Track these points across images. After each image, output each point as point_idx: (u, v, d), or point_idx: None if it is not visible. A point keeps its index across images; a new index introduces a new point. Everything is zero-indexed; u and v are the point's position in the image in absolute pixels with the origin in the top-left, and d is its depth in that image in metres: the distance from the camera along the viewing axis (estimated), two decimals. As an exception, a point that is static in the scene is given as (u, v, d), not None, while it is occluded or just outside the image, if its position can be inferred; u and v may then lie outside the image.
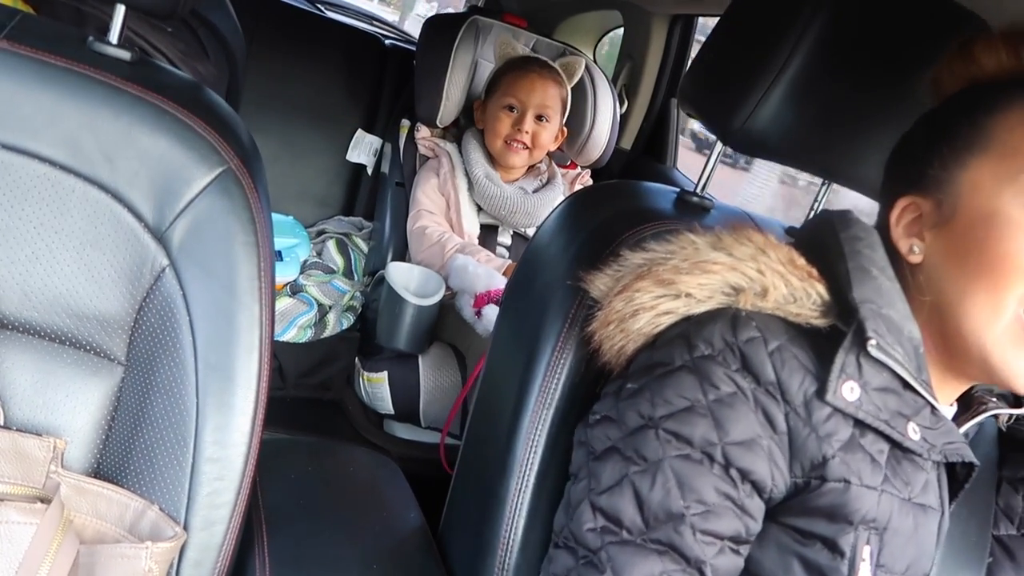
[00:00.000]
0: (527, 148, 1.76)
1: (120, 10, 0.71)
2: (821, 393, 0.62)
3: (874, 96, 0.81)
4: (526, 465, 0.78)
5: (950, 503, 0.68)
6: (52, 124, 0.67)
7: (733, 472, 0.61)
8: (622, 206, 0.88)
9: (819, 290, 0.66)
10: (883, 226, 0.70)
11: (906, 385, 0.64)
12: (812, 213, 0.99)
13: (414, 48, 2.03)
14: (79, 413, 0.72)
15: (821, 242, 0.70)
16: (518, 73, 1.75)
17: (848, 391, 0.62)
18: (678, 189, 0.92)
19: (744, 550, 0.63)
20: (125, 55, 0.71)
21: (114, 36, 0.71)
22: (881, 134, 0.82)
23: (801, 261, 0.68)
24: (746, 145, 0.83)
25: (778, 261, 0.67)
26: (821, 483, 0.62)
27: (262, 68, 2.04)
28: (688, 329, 0.66)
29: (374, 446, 1.66)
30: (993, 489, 0.76)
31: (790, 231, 0.76)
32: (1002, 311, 0.62)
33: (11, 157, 0.67)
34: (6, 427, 0.70)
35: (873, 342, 0.62)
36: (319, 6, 2.52)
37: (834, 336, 0.64)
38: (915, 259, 0.67)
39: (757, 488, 0.62)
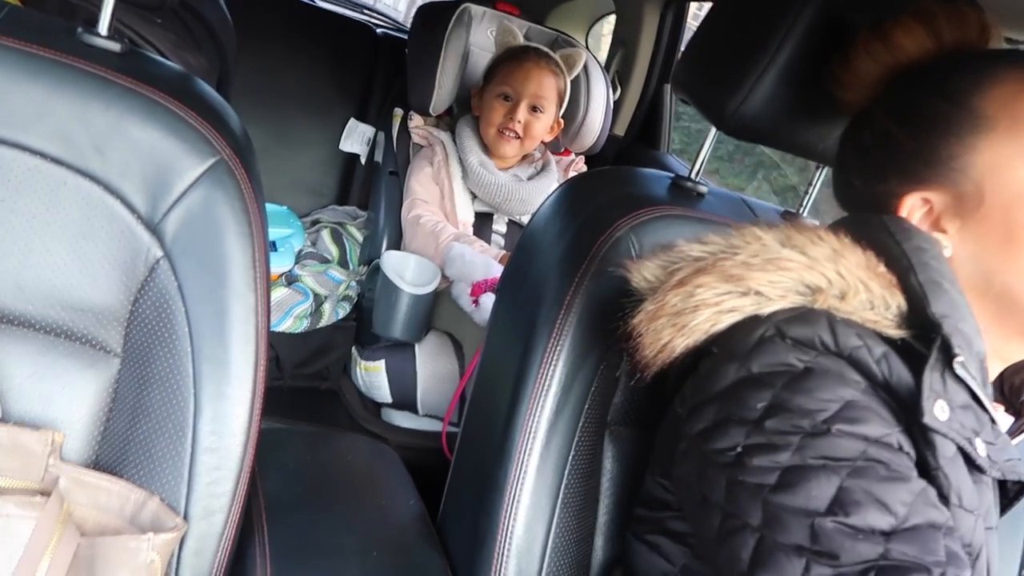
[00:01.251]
0: (518, 138, 1.75)
1: (109, 1, 0.71)
2: (917, 414, 0.57)
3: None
4: (524, 452, 0.78)
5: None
6: (42, 117, 0.67)
7: (912, 459, 0.56)
8: (617, 192, 0.88)
9: (899, 300, 0.62)
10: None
11: (974, 398, 0.60)
12: (807, 198, 0.99)
13: (406, 36, 2.02)
14: (76, 405, 0.72)
15: (883, 250, 0.65)
16: (514, 62, 1.74)
17: (940, 410, 0.57)
18: (672, 175, 0.92)
19: None
20: (115, 46, 0.71)
21: (103, 27, 0.71)
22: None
23: (882, 268, 0.63)
24: (740, 130, 0.83)
25: (857, 266, 0.63)
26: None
27: (253, 59, 2.02)
28: (780, 329, 0.60)
29: (372, 434, 1.66)
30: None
31: (832, 227, 0.71)
32: None
33: (2, 150, 0.67)
34: (4, 421, 0.70)
35: (960, 359, 0.58)
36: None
37: (907, 350, 0.60)
38: (947, 254, 0.64)
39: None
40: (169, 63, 0.76)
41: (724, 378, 0.61)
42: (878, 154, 0.69)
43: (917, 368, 0.58)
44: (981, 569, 0.59)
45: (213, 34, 1.33)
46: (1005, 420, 0.71)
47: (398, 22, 2.63)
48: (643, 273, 0.68)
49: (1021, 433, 0.71)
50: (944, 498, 0.57)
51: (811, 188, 0.99)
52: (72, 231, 0.69)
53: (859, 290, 0.62)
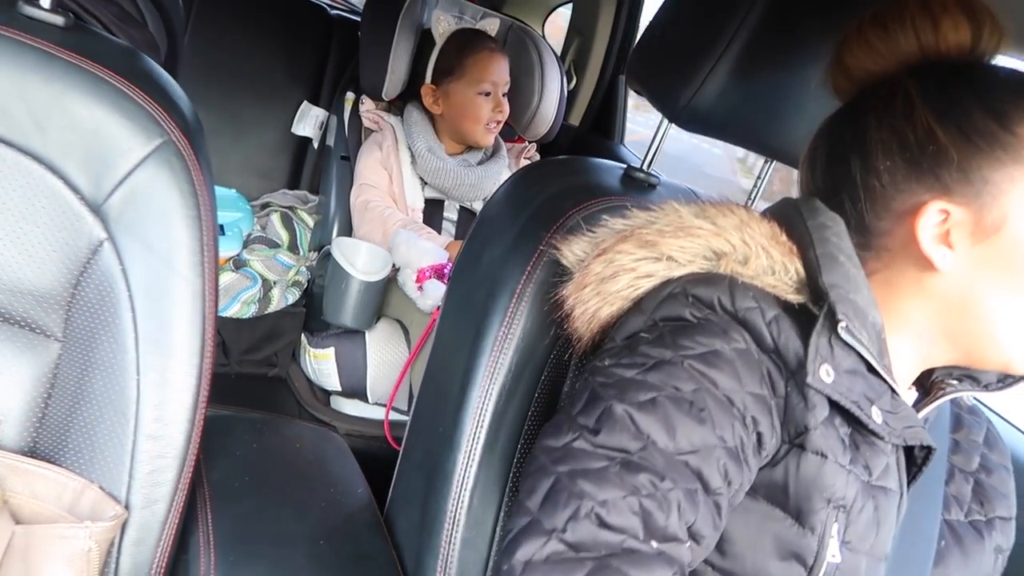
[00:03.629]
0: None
1: (52, -28, 0.68)
2: (802, 375, 0.62)
3: (818, 75, 0.82)
4: (473, 438, 0.79)
5: (908, 486, 0.69)
6: None
7: (748, 420, 0.62)
8: (569, 181, 0.89)
9: (797, 266, 0.67)
10: (881, 224, 0.68)
11: (870, 368, 0.65)
12: (755, 191, 1.00)
13: (359, 19, 1.99)
14: (13, 391, 0.70)
15: (791, 225, 0.70)
16: (483, 55, 1.73)
17: (825, 373, 0.62)
18: (625, 165, 0.93)
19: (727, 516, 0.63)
20: (58, 20, 0.69)
21: (46, 0, 0.69)
22: (825, 114, 0.83)
23: (783, 237, 0.69)
24: (692, 123, 0.84)
25: (761, 235, 0.68)
26: (801, 451, 0.63)
27: (203, 37, 1.98)
28: (681, 288, 0.66)
29: (321, 422, 1.65)
30: (944, 474, 0.78)
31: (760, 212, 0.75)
32: None
33: (-64, 125, 0.64)
34: (-65, 406, 0.67)
35: (843, 324, 0.62)
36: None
37: (804, 315, 0.65)
38: (945, 268, 0.65)
39: (759, 442, 0.63)
40: (115, 39, 0.74)
41: (629, 327, 0.68)
42: (917, 152, 0.66)
43: (809, 333, 0.63)
44: (859, 520, 0.64)
45: (161, 8, 1.29)
46: (909, 395, 0.75)
47: (352, 3, 2.59)
48: (572, 249, 0.73)
49: (928, 406, 0.73)
50: (820, 453, 0.62)
51: (759, 183, 1.00)
52: (11, 210, 0.67)
53: (760, 255, 0.67)
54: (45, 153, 0.66)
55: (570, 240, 0.74)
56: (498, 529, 0.80)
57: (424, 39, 1.81)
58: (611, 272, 0.68)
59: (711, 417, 0.60)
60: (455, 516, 0.79)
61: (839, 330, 0.62)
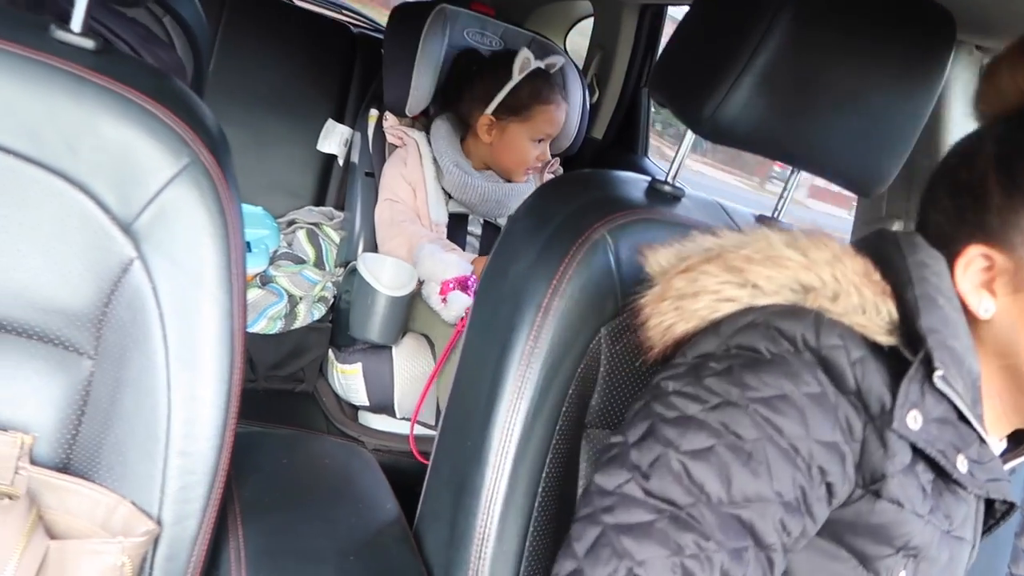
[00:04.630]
0: None
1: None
2: (888, 420, 0.60)
3: (842, 85, 0.81)
4: (502, 454, 0.78)
5: (981, 536, 0.68)
6: (12, 113, 0.66)
7: (815, 471, 0.59)
8: (593, 195, 0.88)
9: (890, 307, 0.64)
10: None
11: (960, 416, 0.62)
12: (782, 201, 1.00)
13: (383, 36, 2.01)
14: (47, 408, 0.71)
15: (887, 262, 0.67)
16: (551, 107, 1.74)
17: (912, 420, 0.60)
18: (649, 178, 0.92)
19: (788, 557, 0.61)
20: (88, 44, 0.70)
21: (77, 24, 0.70)
22: (850, 123, 0.83)
23: (877, 276, 0.65)
24: (715, 134, 0.83)
25: (853, 271, 0.65)
26: (875, 499, 0.61)
27: (229, 56, 2.01)
28: (767, 319, 0.63)
29: (349, 438, 1.65)
30: (1016, 526, 0.76)
31: (852, 244, 0.73)
32: None
33: (-30, 148, 0.66)
34: (-29, 424, 0.68)
35: (940, 373, 0.60)
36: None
37: (895, 357, 0.62)
38: (985, 317, 0.63)
39: (829, 492, 0.60)
40: (144, 61, 0.75)
41: (702, 347, 0.65)
42: (965, 194, 0.65)
43: (900, 377, 0.61)
44: (932, 569, 0.63)
45: (187, 30, 1.31)
46: (998, 445, 0.71)
47: (375, 22, 2.62)
48: (658, 259, 0.72)
49: (1016, 458, 0.71)
50: (896, 502, 0.60)
51: (785, 192, 1.00)
52: (43, 231, 0.68)
53: (851, 293, 0.64)
54: (76, 174, 0.68)
55: (656, 248, 0.72)
56: (527, 545, 0.79)
57: (466, 59, 1.82)
58: (693, 291, 0.66)
59: (769, 470, 0.58)
60: (484, 532, 0.79)
61: (935, 378, 0.60)
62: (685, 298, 0.67)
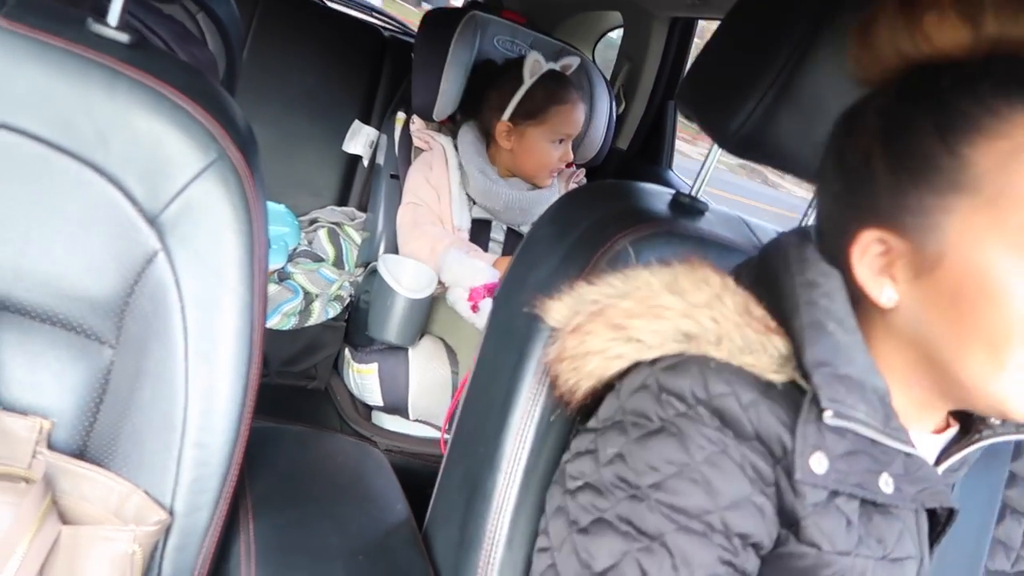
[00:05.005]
0: None
1: (121, -8, 0.71)
2: (787, 463, 0.58)
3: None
4: (514, 460, 0.78)
5: (932, 546, 0.66)
6: (46, 102, 0.67)
7: (735, 540, 0.58)
8: (616, 206, 0.88)
9: (776, 343, 0.61)
10: (838, 254, 0.62)
11: (875, 440, 0.60)
12: (805, 219, 0.99)
13: (412, 40, 2.03)
14: (67, 394, 0.72)
15: (776, 283, 0.64)
16: (567, 106, 1.73)
17: (816, 463, 0.57)
18: (673, 191, 0.92)
19: None
20: (124, 38, 0.71)
21: (113, 18, 0.71)
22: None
23: (759, 311, 0.63)
24: (742, 148, 0.83)
25: (734, 311, 0.62)
26: (795, 542, 0.59)
27: (261, 56, 2.03)
28: (653, 380, 0.62)
29: (362, 437, 1.66)
30: (993, 517, 0.73)
31: (743, 265, 0.71)
32: (1005, 369, 0.55)
33: (4, 135, 0.67)
34: (-7, 406, 0.69)
35: (829, 413, 0.57)
36: (319, -7, 2.52)
37: (791, 393, 0.60)
38: (889, 305, 0.59)
39: (755, 548, 0.59)
40: (177, 57, 0.76)
41: (606, 414, 0.65)
42: (852, 176, 0.61)
43: (796, 413, 0.59)
44: None
45: (221, 28, 1.33)
46: (933, 441, 0.67)
47: (405, 26, 2.63)
48: (554, 313, 0.70)
49: (962, 450, 0.67)
50: (814, 545, 0.58)
51: (810, 208, 0.99)
52: (72, 220, 0.69)
53: (733, 336, 0.61)
54: (106, 165, 0.68)
55: (551, 303, 0.71)
56: (536, 552, 0.79)
57: (487, 67, 1.82)
58: (583, 351, 0.66)
59: (688, 562, 0.56)
60: (494, 537, 0.79)
61: (825, 419, 0.57)
62: (577, 358, 0.66)
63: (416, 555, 0.88)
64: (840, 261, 0.62)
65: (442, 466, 0.94)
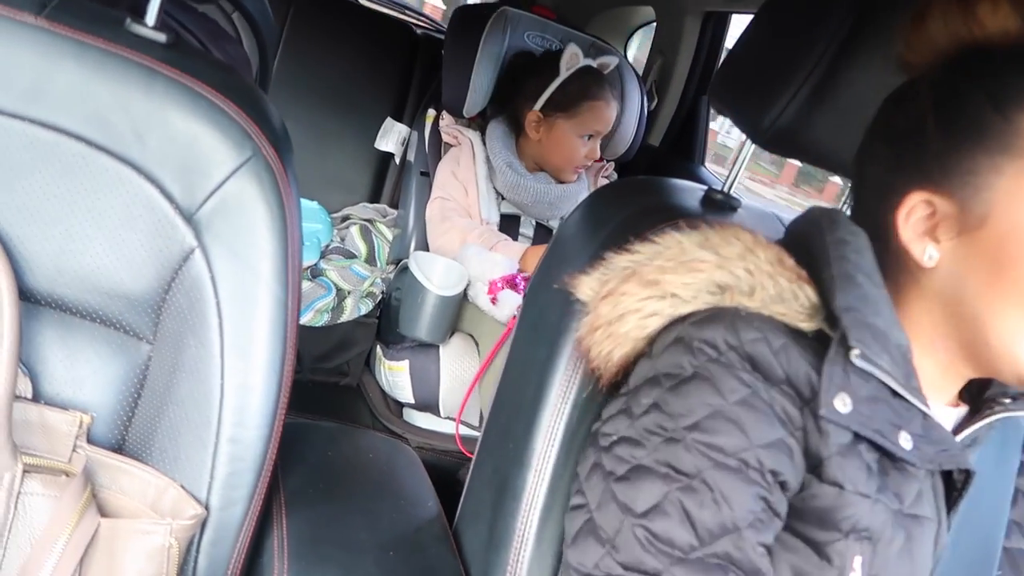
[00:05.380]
0: None
1: (158, -8, 0.72)
2: (815, 404, 0.60)
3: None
4: (544, 458, 0.78)
5: (949, 512, 0.66)
6: (85, 101, 0.68)
7: (767, 476, 0.59)
8: (647, 202, 0.88)
9: (807, 292, 0.64)
10: (878, 216, 0.65)
11: (895, 393, 0.61)
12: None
13: (444, 38, 2.03)
14: (106, 389, 0.73)
15: (808, 243, 0.67)
16: (600, 103, 1.72)
17: (840, 403, 0.59)
18: (705, 187, 0.91)
19: None
20: (160, 37, 0.72)
21: (151, 18, 0.72)
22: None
23: (790, 262, 0.66)
24: (775, 144, 0.82)
25: (767, 261, 0.65)
26: (818, 483, 0.60)
27: (294, 54, 2.05)
28: (686, 332, 0.64)
29: (393, 434, 1.67)
30: (1008, 498, 0.73)
31: (787, 229, 0.75)
32: None
33: (45, 134, 0.68)
34: (34, 401, 0.71)
35: (856, 351, 0.59)
36: (351, -8, 2.53)
37: (819, 341, 0.63)
38: (930, 264, 0.62)
39: (784, 489, 0.60)
40: (213, 56, 0.77)
41: (638, 376, 0.67)
42: (903, 141, 0.64)
43: (823, 360, 0.61)
44: (888, 551, 0.61)
45: (254, 26, 1.34)
46: (948, 413, 0.69)
47: (437, 22, 2.64)
48: (584, 287, 0.72)
49: (973, 424, 0.68)
50: (836, 483, 0.60)
51: (844, 204, 0.98)
52: (111, 217, 0.70)
53: (766, 285, 0.64)
54: (143, 163, 0.69)
55: (581, 277, 0.72)
56: (569, 512, 0.79)
57: (521, 60, 1.82)
58: (618, 314, 0.67)
59: (726, 497, 0.58)
60: (523, 535, 0.79)
61: (852, 357, 0.59)
62: (613, 323, 0.67)
63: (446, 552, 0.88)
64: (883, 224, 0.64)
65: (472, 462, 0.94)
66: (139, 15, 0.72)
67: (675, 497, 0.59)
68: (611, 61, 1.78)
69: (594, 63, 1.75)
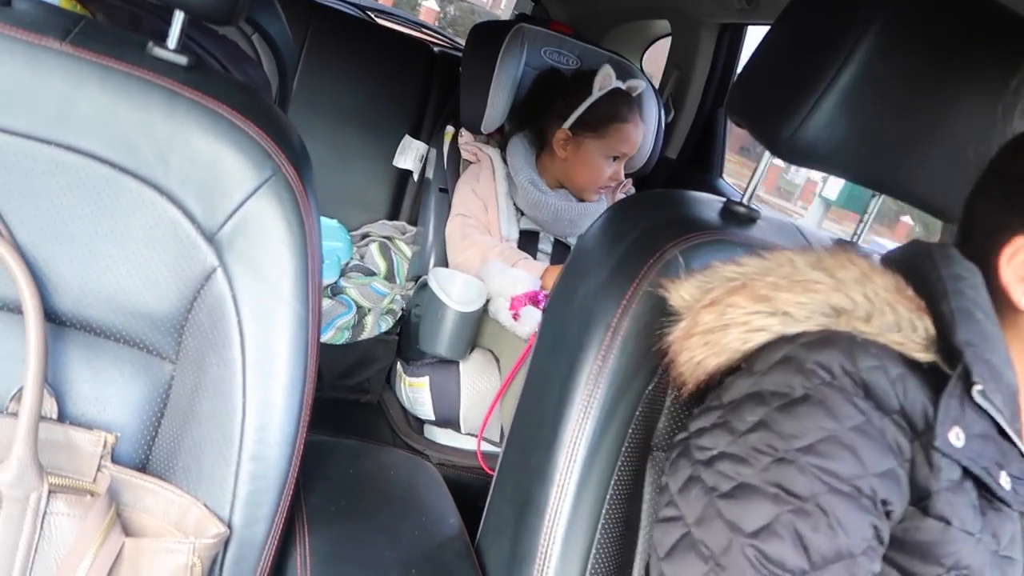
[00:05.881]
0: None
1: (179, 16, 0.73)
2: (928, 437, 0.59)
3: (929, 109, 0.79)
4: (566, 473, 0.78)
5: None
6: (108, 124, 0.69)
7: (878, 505, 0.58)
8: (667, 215, 0.88)
9: (926, 323, 0.63)
10: (983, 257, 0.65)
11: (1000, 432, 0.61)
12: (862, 226, 0.97)
13: (461, 55, 2.04)
14: (130, 409, 0.74)
15: (921, 276, 0.66)
16: (628, 126, 1.73)
17: (955, 437, 0.59)
18: (724, 199, 0.91)
19: None
20: (182, 60, 0.73)
21: (172, 41, 0.73)
22: (935, 148, 0.80)
23: (910, 292, 0.65)
24: (795, 155, 0.82)
25: (885, 288, 0.64)
26: (923, 515, 0.59)
27: (313, 73, 2.07)
28: (797, 353, 0.62)
29: (414, 450, 1.67)
30: None
31: (883, 258, 0.73)
32: None
33: (70, 157, 0.69)
34: (59, 421, 0.71)
35: (979, 387, 0.59)
36: (369, 13, 2.56)
37: (933, 374, 0.62)
38: None
39: (890, 517, 0.59)
40: (233, 77, 0.78)
41: (737, 391, 0.64)
42: (1015, 183, 0.65)
43: (941, 393, 0.60)
44: None
45: (274, 48, 1.36)
46: None
47: (455, 41, 2.66)
48: (681, 293, 0.71)
49: None
50: (944, 519, 0.59)
51: (866, 216, 0.97)
52: (134, 239, 0.71)
53: (885, 312, 0.63)
54: (166, 184, 0.70)
55: (678, 282, 0.71)
56: (589, 566, 0.78)
57: (543, 77, 1.83)
58: (722, 323, 0.66)
59: (841, 523, 0.56)
60: (546, 551, 0.78)
61: (974, 393, 0.59)
62: (714, 332, 0.66)
63: (468, 568, 0.88)
64: (986, 263, 0.64)
65: (493, 479, 0.94)
66: (161, 39, 0.73)
67: (787, 519, 0.57)
68: (639, 85, 1.79)
69: (623, 85, 1.76)
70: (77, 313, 0.72)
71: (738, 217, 0.89)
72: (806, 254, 0.67)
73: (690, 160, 2.07)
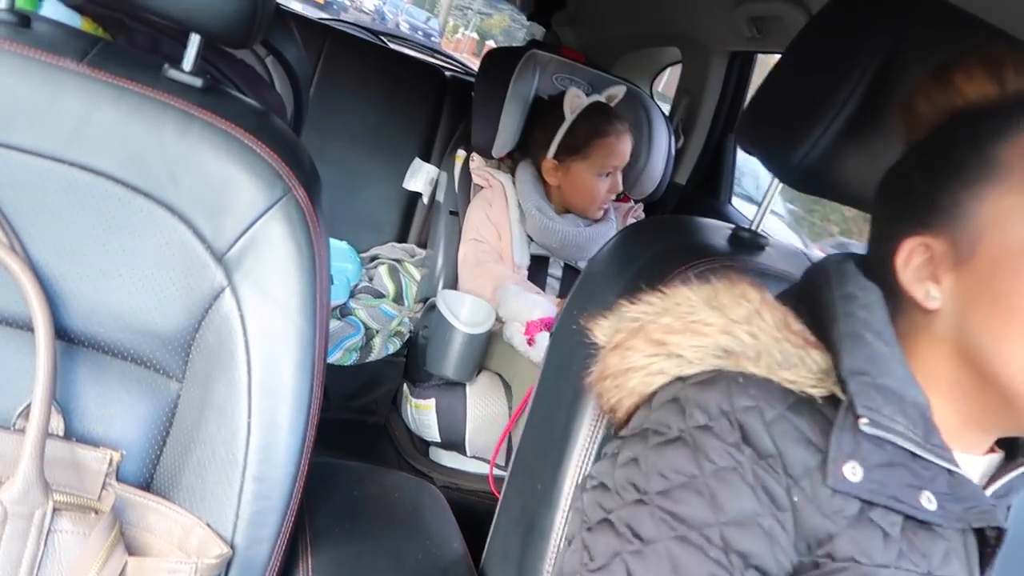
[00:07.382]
0: None
1: (195, 40, 0.74)
2: (811, 480, 0.58)
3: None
4: (571, 499, 0.77)
5: (983, 570, 0.64)
6: (122, 144, 0.70)
7: (733, 557, 0.57)
8: (674, 241, 0.88)
9: (815, 357, 0.62)
10: (884, 269, 0.65)
11: (914, 454, 0.59)
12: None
13: (473, 79, 2.06)
14: (136, 428, 0.74)
15: (816, 299, 0.66)
16: (610, 139, 1.72)
17: (850, 472, 0.57)
18: (733, 225, 0.91)
19: None
20: (197, 82, 0.74)
21: (188, 64, 0.74)
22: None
23: (797, 326, 0.64)
24: (804, 183, 0.82)
25: (773, 325, 0.64)
26: (830, 561, 0.58)
27: (326, 96, 2.09)
28: (683, 393, 0.63)
29: (419, 473, 1.66)
30: None
31: (787, 288, 0.73)
32: None
33: (83, 176, 0.70)
34: (65, 438, 0.72)
35: (864, 420, 0.58)
36: (382, 38, 2.59)
37: (835, 405, 0.61)
38: (933, 305, 0.61)
39: (761, 572, 0.58)
40: (247, 99, 0.79)
41: (635, 423, 0.66)
42: (894, 191, 0.66)
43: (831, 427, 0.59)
44: None
45: (289, 71, 1.37)
46: (979, 463, 0.66)
47: (466, 65, 2.68)
48: (600, 332, 0.72)
49: (1008, 473, 0.66)
50: (850, 559, 0.58)
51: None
52: (145, 258, 0.71)
53: (771, 350, 0.62)
54: (178, 204, 0.71)
55: (598, 322, 0.72)
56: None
57: (538, 105, 1.84)
58: (624, 367, 0.67)
59: (677, 569, 0.56)
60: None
61: (861, 426, 0.58)
62: (619, 375, 0.67)
63: (473, 593, 0.87)
64: (887, 273, 0.64)
65: (499, 503, 0.93)
66: (177, 61, 0.74)
67: (623, 560, 0.58)
68: (618, 91, 1.79)
69: (602, 97, 1.76)
70: (86, 331, 0.73)
71: (746, 244, 0.89)
72: (703, 290, 0.68)
73: (699, 186, 2.07)
